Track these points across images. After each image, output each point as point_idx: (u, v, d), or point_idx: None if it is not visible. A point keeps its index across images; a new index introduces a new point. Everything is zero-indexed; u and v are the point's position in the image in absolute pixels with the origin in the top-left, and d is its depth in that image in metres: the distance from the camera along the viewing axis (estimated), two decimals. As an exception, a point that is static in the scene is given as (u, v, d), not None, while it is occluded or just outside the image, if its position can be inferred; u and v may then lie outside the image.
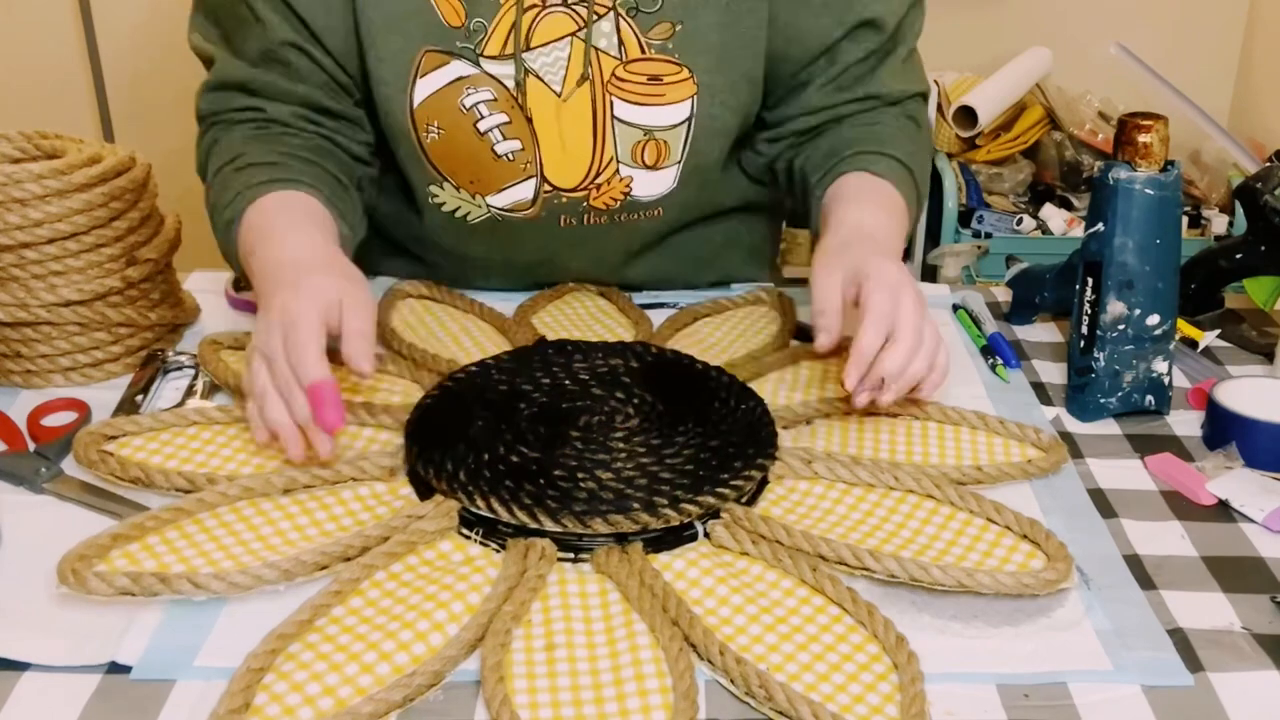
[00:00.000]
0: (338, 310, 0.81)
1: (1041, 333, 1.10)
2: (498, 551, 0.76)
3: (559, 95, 0.99)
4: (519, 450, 0.81)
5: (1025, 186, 2.61)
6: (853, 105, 1.06)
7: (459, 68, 0.97)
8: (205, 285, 1.11)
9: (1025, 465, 0.86)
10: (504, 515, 0.76)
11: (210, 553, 0.74)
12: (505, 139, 1.00)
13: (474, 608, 0.70)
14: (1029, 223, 2.52)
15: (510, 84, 0.98)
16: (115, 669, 0.67)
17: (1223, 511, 0.83)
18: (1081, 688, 0.67)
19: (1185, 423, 0.95)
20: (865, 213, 0.95)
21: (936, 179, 2.55)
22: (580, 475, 0.78)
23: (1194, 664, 0.69)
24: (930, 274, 2.57)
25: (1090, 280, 0.92)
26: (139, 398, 0.94)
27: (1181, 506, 0.84)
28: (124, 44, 2.63)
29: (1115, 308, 0.92)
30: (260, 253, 0.88)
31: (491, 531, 0.77)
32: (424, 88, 0.98)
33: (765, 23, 1.01)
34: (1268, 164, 1.04)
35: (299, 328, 0.79)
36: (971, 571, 0.72)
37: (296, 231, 0.89)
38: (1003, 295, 1.16)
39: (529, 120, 1.00)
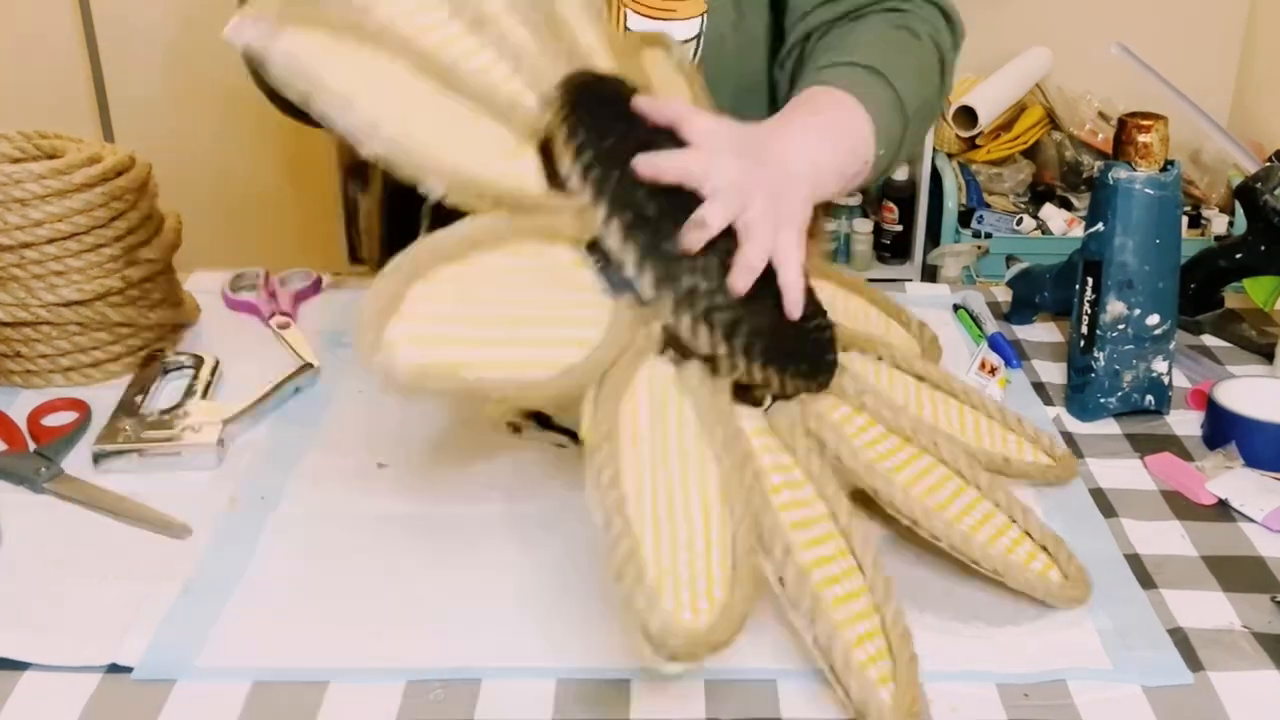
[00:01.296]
0: None
1: (1041, 333, 1.10)
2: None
3: None
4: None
5: (1025, 186, 2.61)
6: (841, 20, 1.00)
7: None
8: (205, 285, 1.11)
9: (1044, 469, 0.84)
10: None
11: None
12: None
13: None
14: (1029, 223, 2.52)
15: None
16: (115, 669, 0.67)
17: (1223, 511, 0.83)
18: (1081, 687, 0.67)
19: (1185, 422, 0.95)
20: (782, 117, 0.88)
21: (936, 179, 2.55)
22: None
23: (1194, 664, 0.69)
24: (930, 274, 2.57)
25: (1090, 280, 0.92)
26: (139, 398, 0.94)
27: (1181, 506, 0.84)
28: (124, 44, 2.63)
29: (1115, 307, 0.92)
30: None
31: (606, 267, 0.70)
32: None
33: None
34: (1268, 164, 1.04)
35: None
36: (1006, 561, 0.71)
37: None
38: (1003, 295, 1.16)
39: None
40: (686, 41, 1.05)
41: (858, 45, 0.94)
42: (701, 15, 1.05)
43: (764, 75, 1.09)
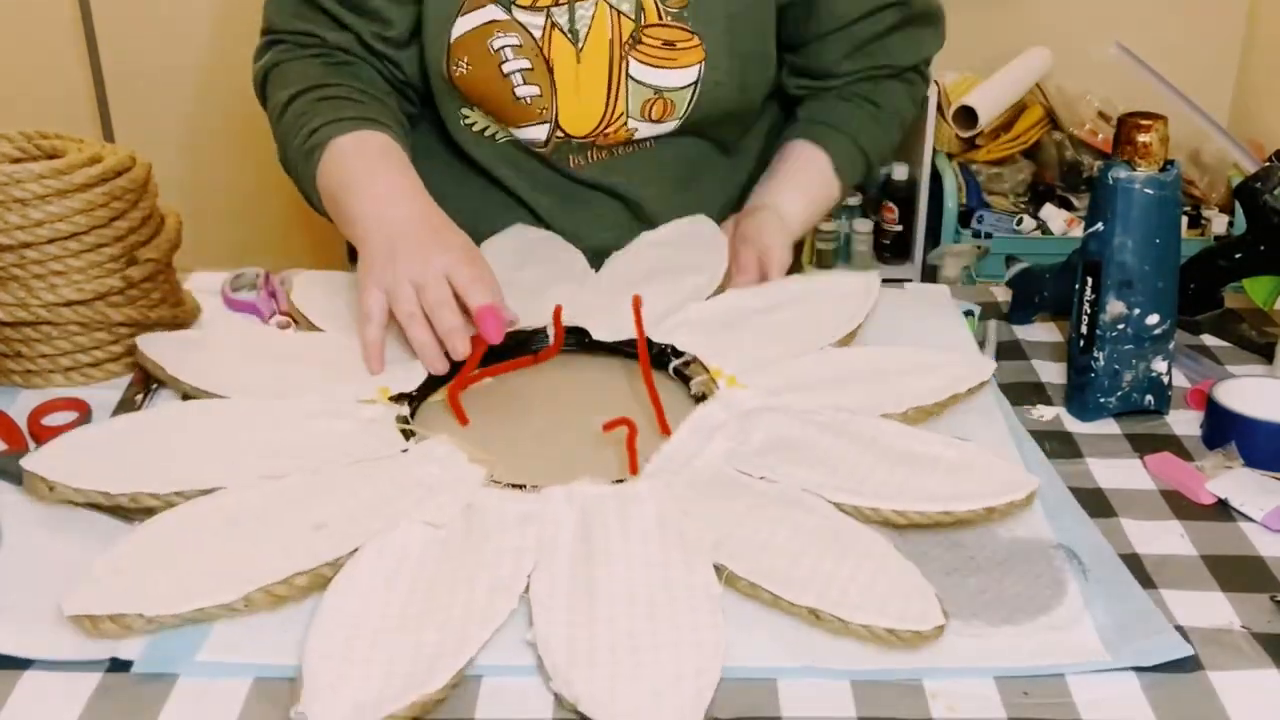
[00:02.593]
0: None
1: (1041, 333, 1.10)
2: None
3: (578, 50, 1.07)
4: None
5: (1025, 186, 2.61)
6: (862, 73, 1.16)
7: (493, 11, 1.06)
8: (205, 285, 1.11)
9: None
10: None
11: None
12: (525, 83, 1.08)
13: None
14: (1029, 223, 2.52)
15: (537, 33, 1.06)
16: (117, 665, 0.67)
17: (1222, 511, 0.83)
18: (1081, 685, 0.67)
19: (1185, 422, 0.95)
20: (784, 196, 1.14)
21: (936, 179, 2.55)
22: None
23: (1194, 663, 0.69)
24: (930, 274, 2.57)
25: (1090, 280, 0.92)
26: (139, 397, 0.94)
27: (1181, 506, 0.84)
28: (124, 44, 2.63)
29: (1115, 307, 0.92)
30: (357, 195, 0.99)
31: None
32: (462, 25, 1.06)
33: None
34: (1267, 164, 1.04)
35: (472, 267, 0.94)
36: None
37: (399, 184, 1.00)
38: (1003, 295, 1.16)
39: (550, 70, 1.07)
40: (684, 88, 1.09)
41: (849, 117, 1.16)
42: (699, 64, 1.08)
43: (757, 110, 1.17)
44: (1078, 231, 2.45)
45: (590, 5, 1.06)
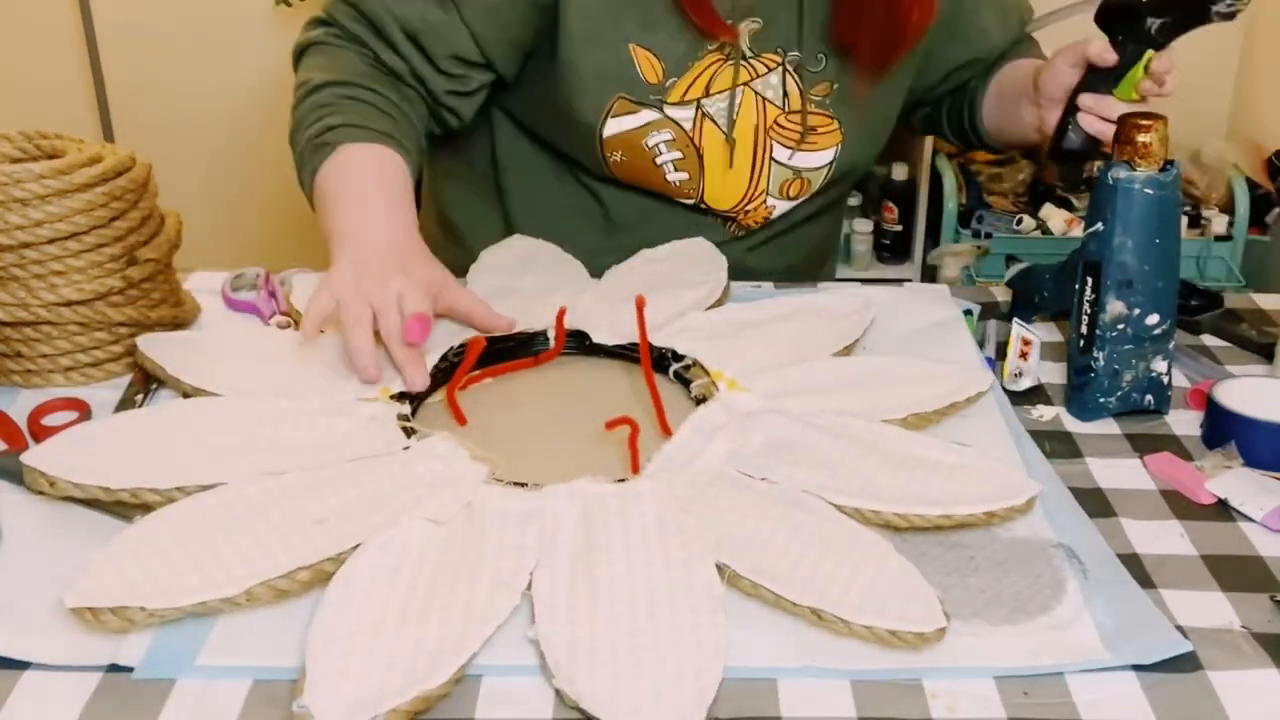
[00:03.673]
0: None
1: (1041, 333, 1.09)
2: None
3: (728, 138, 1.13)
4: None
5: (1025, 186, 2.61)
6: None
7: (647, 115, 1.12)
8: (205, 285, 1.12)
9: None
10: None
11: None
12: (676, 170, 1.15)
13: None
14: (1029, 223, 2.52)
15: (688, 125, 1.12)
16: (116, 669, 0.67)
17: (1222, 511, 0.83)
18: (1081, 685, 0.67)
19: (1185, 422, 0.95)
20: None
21: (936, 179, 2.55)
22: None
23: (1194, 663, 0.69)
24: (930, 274, 2.57)
25: (1090, 280, 0.92)
26: (139, 397, 0.94)
27: (1181, 506, 0.84)
28: (124, 44, 2.63)
29: (1115, 307, 0.92)
30: (345, 206, 0.98)
31: None
32: (614, 126, 1.12)
33: (915, 66, 1.19)
34: None
35: (425, 294, 0.92)
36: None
37: (385, 207, 0.99)
38: (1003, 295, 1.16)
39: (700, 157, 1.14)
40: (821, 168, 1.17)
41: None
42: (836, 145, 1.16)
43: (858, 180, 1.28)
44: (1078, 231, 2.45)
45: (737, 93, 1.11)
